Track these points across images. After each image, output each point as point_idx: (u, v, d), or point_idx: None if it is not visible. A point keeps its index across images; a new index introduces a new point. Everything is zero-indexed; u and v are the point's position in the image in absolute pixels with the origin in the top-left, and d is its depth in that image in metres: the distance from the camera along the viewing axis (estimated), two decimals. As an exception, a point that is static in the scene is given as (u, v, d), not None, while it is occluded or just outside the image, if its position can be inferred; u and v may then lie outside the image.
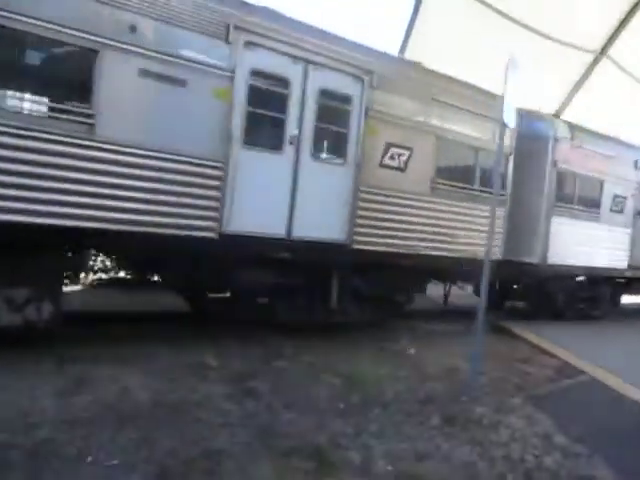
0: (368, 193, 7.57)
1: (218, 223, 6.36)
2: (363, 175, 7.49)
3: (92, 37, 5.46)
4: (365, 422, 4.84)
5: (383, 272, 8.18)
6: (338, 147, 7.41)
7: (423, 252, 8.33)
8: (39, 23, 5.19)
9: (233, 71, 6.32)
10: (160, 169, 5.92)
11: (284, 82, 6.80)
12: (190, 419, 4.41)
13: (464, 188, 8.75)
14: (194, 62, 6.05)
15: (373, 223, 7.68)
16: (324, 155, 7.43)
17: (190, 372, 5.56)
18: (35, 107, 5.46)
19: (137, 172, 5.79)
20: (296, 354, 6.68)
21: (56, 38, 5.30)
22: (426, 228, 8.32)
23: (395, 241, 7.94)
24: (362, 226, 7.56)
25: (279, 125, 6.84)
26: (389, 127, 7.71)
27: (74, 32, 5.36)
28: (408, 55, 11.16)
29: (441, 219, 8.46)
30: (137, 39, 5.70)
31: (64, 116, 5.44)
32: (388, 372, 6.32)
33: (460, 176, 8.75)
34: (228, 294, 6.88)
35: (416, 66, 8.12)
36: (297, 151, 6.92)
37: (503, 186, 9.23)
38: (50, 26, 5.24)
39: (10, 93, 5.35)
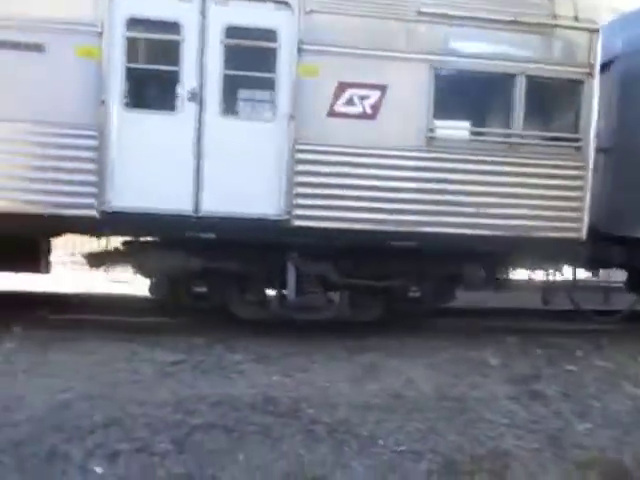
0: (311, 152, 5.78)
1: (98, 200, 5.63)
2: (302, 129, 5.74)
3: None
4: None
5: (369, 257, 6.20)
6: (262, 98, 5.87)
7: (429, 229, 6.02)
8: None
9: (101, 24, 5.50)
10: (16, 141, 5.51)
11: (174, 27, 5.62)
12: (474, 416, 4.39)
13: (492, 134, 6.01)
14: (50, 22, 5.44)
15: (324, 192, 5.84)
16: (242, 110, 5.95)
17: (471, 368, 5.49)
18: None
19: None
20: (586, 357, 6.02)
21: None
22: (426, 196, 5.98)
23: (370, 215, 5.91)
24: (306, 196, 5.82)
25: (172, 80, 5.70)
26: (340, 62, 5.75)
27: None
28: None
29: (452, 182, 5.98)
30: (-19, 8, 5.40)
31: None
32: None
33: (484, 118, 6.06)
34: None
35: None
36: (200, 108, 5.67)
37: (573, 128, 6.06)
38: None
39: None
